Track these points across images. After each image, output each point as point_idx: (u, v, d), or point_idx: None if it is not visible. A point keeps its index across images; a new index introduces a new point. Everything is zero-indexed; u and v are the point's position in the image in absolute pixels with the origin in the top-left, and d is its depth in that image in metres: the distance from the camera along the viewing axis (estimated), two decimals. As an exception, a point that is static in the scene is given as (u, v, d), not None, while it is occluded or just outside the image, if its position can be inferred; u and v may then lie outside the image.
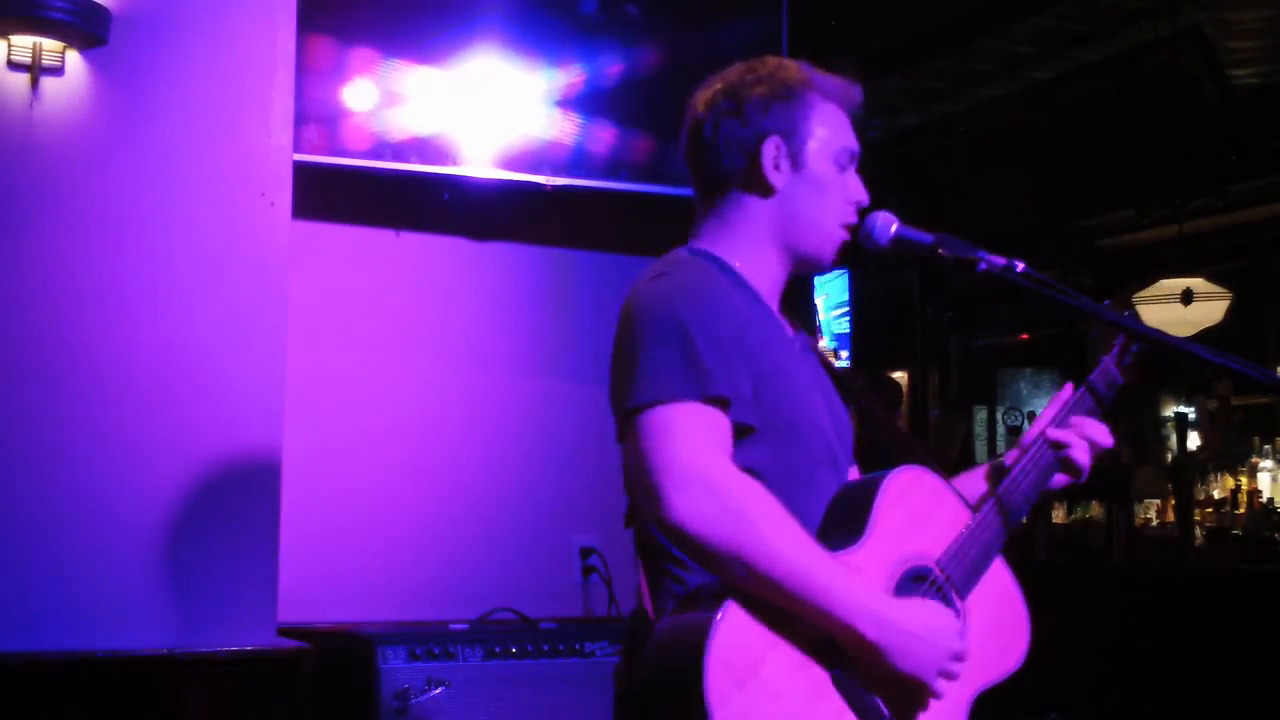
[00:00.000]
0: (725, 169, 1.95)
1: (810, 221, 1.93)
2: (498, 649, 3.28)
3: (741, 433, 1.78)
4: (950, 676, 1.76)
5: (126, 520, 3.01)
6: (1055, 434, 1.99)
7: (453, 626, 3.37)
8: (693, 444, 1.67)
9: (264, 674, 3.04)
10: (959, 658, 1.76)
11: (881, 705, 1.73)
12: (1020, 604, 1.95)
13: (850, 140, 1.96)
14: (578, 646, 3.36)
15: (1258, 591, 4.82)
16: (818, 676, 1.69)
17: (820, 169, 1.93)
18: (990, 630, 1.88)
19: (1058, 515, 6.58)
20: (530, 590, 3.85)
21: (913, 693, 1.76)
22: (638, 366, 1.73)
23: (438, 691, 3.19)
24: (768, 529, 1.65)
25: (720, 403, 1.73)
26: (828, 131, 1.94)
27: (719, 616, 1.63)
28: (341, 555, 3.76)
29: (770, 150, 1.91)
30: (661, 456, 1.67)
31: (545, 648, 3.33)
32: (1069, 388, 2.07)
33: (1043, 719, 4.56)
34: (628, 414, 1.72)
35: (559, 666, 3.33)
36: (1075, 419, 2.01)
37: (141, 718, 2.91)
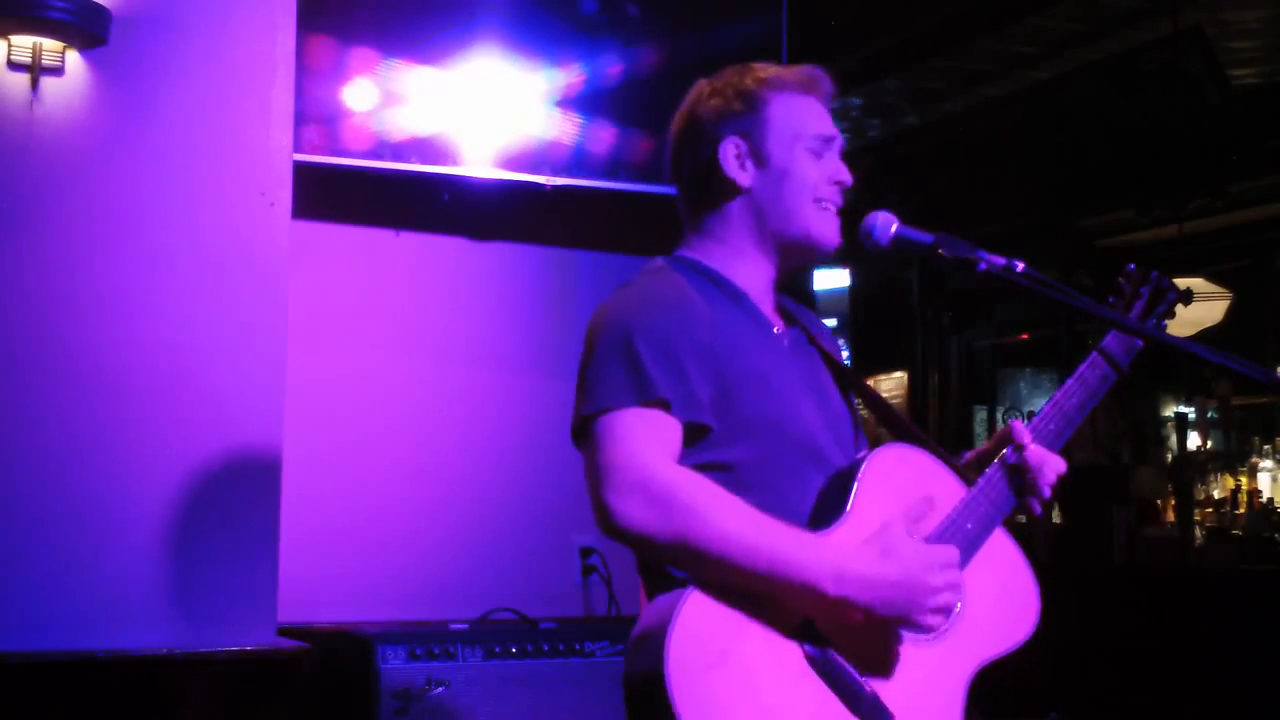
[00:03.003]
0: (696, 186, 2.00)
1: (785, 209, 1.95)
2: (498, 649, 3.28)
3: (699, 433, 1.81)
4: (945, 610, 1.75)
5: (127, 520, 3.01)
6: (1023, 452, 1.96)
7: (453, 626, 3.37)
8: (629, 447, 1.72)
9: (264, 674, 3.04)
10: (944, 589, 1.74)
11: (863, 682, 1.72)
12: (1027, 574, 1.94)
13: (822, 126, 1.98)
14: (578, 646, 3.36)
15: (1258, 591, 4.81)
16: (793, 658, 1.69)
17: (787, 158, 1.95)
18: (992, 603, 1.87)
19: (1058, 515, 6.57)
20: (530, 590, 3.85)
21: (896, 658, 1.75)
22: (586, 379, 1.80)
23: (438, 691, 3.19)
24: (706, 512, 1.67)
25: (661, 404, 1.76)
26: (793, 122, 1.96)
27: (678, 604, 1.65)
28: (341, 555, 3.76)
29: (729, 150, 1.95)
30: (601, 463, 1.72)
31: (545, 648, 3.33)
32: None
33: (1043, 719, 4.56)
34: (580, 426, 1.79)
35: (559, 666, 3.33)
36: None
37: (142, 718, 2.91)
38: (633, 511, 1.67)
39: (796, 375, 1.95)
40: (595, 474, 1.73)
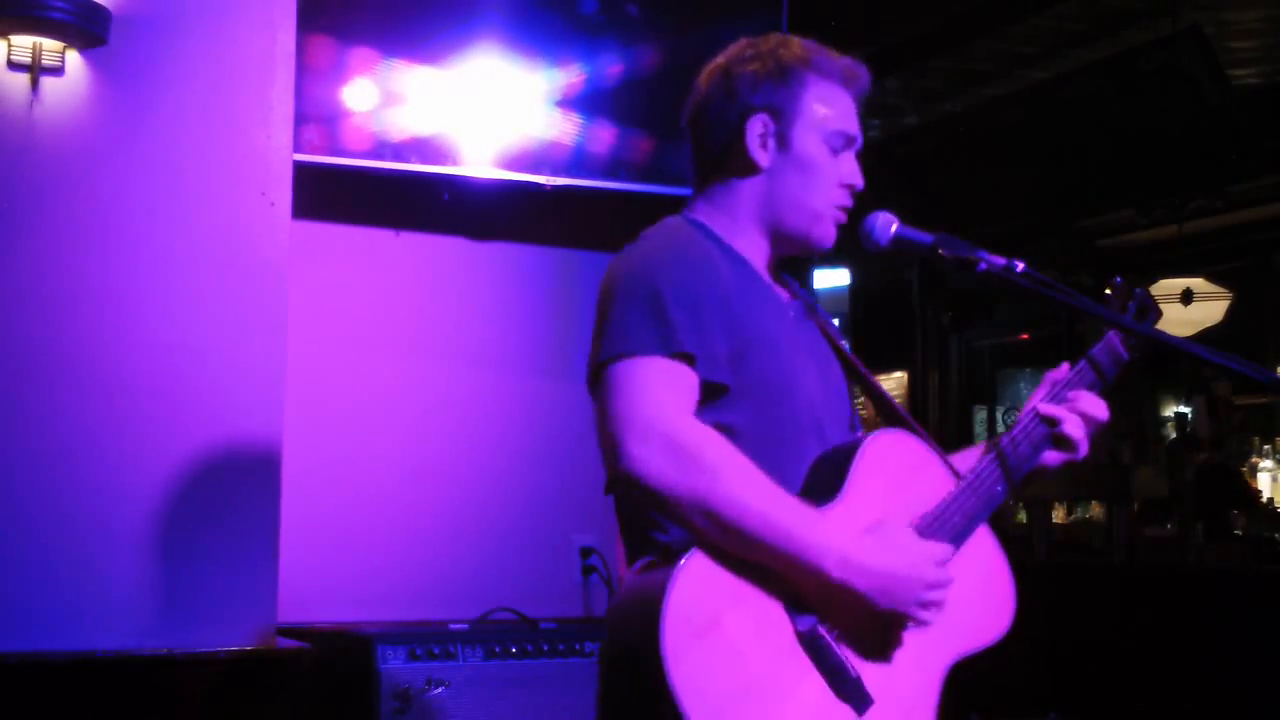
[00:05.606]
0: (716, 147, 1.96)
1: (795, 201, 1.93)
2: (498, 649, 3.28)
3: (715, 392, 1.78)
4: (932, 605, 1.74)
5: (126, 520, 3.01)
6: (1047, 409, 1.97)
7: (453, 626, 3.37)
8: (654, 397, 1.69)
9: (264, 674, 3.04)
10: (938, 585, 1.75)
11: (848, 663, 1.71)
12: (1006, 575, 1.93)
13: (848, 124, 1.95)
14: (578, 646, 3.36)
15: (1258, 591, 4.81)
16: (784, 632, 1.68)
17: (809, 149, 1.92)
18: (971, 598, 1.86)
19: (1058, 515, 6.57)
20: (530, 590, 3.86)
21: (884, 644, 1.74)
22: (607, 324, 1.76)
23: (438, 691, 3.19)
24: (728, 475, 1.65)
25: (686, 358, 1.74)
26: (822, 112, 1.93)
27: (680, 565, 1.62)
28: (341, 555, 3.77)
29: (756, 127, 1.92)
30: (622, 408, 1.68)
31: (545, 648, 3.33)
32: (1064, 366, 2.06)
33: (1042, 719, 4.56)
34: (596, 369, 1.74)
35: (559, 666, 3.33)
36: (1071, 393, 2.00)
37: (141, 718, 2.91)
38: (653, 461, 1.64)
39: (802, 345, 1.94)
40: (613, 418, 1.68)
